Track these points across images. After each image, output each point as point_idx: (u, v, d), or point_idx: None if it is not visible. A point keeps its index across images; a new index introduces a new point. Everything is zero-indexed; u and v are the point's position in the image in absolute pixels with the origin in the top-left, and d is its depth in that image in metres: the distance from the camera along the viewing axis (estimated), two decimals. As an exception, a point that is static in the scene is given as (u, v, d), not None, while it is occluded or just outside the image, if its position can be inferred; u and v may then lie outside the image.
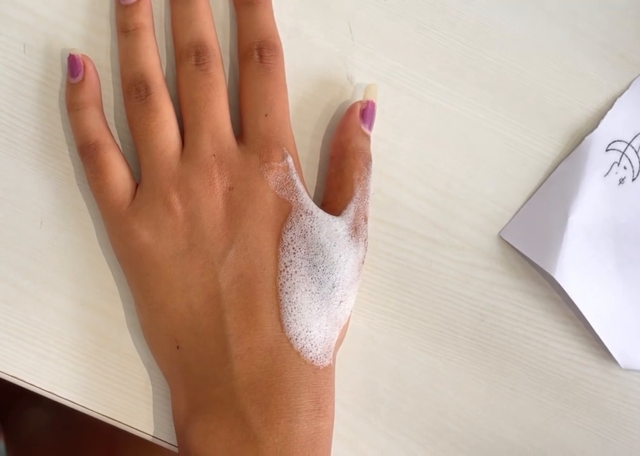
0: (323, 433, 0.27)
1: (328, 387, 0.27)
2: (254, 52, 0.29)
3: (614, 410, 0.33)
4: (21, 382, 0.29)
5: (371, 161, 0.31)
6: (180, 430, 0.27)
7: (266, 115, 0.29)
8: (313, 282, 0.28)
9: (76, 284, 0.30)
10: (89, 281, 0.30)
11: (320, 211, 0.29)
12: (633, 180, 0.35)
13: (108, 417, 0.30)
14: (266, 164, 0.28)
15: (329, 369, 0.28)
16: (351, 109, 0.31)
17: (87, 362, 0.30)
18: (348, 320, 0.30)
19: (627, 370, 0.33)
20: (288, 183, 0.29)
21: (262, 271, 0.27)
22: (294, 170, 0.29)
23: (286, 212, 0.28)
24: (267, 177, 0.28)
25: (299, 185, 0.29)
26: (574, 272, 0.33)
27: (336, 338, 0.28)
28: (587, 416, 0.33)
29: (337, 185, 0.30)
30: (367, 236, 0.30)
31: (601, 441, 0.33)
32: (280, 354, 0.27)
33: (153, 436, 0.30)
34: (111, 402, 0.30)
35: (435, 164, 0.33)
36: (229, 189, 0.28)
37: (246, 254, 0.27)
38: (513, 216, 0.34)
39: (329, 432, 0.27)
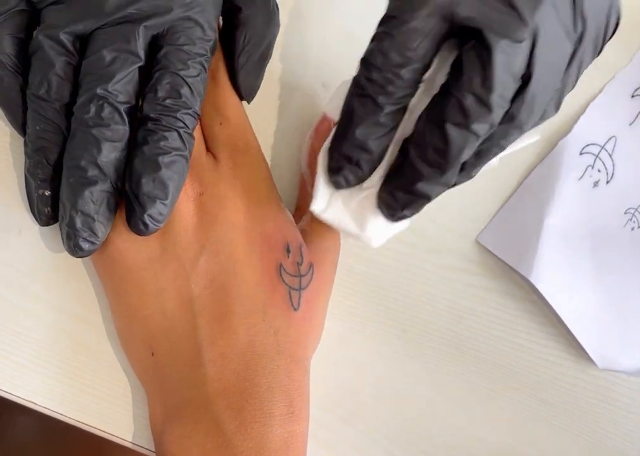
0: (297, 437, 0.27)
1: (302, 390, 0.28)
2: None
3: (591, 409, 0.33)
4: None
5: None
6: (157, 435, 0.27)
7: (220, 123, 0.29)
8: None
9: (55, 292, 0.30)
10: (68, 289, 0.30)
11: (290, 215, 0.29)
12: (607, 182, 0.36)
13: (87, 425, 0.30)
14: (234, 171, 0.29)
15: (303, 372, 0.28)
16: (326, 116, 0.31)
17: (65, 370, 0.30)
18: (322, 325, 0.30)
19: (604, 370, 0.33)
20: None
21: (235, 276, 0.27)
22: None
23: None
24: (236, 182, 0.28)
25: None
26: (550, 274, 0.33)
27: None
28: (564, 415, 0.33)
29: (311, 189, 0.30)
30: (339, 240, 0.30)
31: (577, 439, 0.33)
32: (252, 359, 0.27)
33: (132, 443, 0.30)
34: (90, 409, 0.30)
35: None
36: (200, 194, 0.28)
37: (218, 260, 0.27)
38: (490, 221, 0.34)
39: (304, 436, 0.27)
